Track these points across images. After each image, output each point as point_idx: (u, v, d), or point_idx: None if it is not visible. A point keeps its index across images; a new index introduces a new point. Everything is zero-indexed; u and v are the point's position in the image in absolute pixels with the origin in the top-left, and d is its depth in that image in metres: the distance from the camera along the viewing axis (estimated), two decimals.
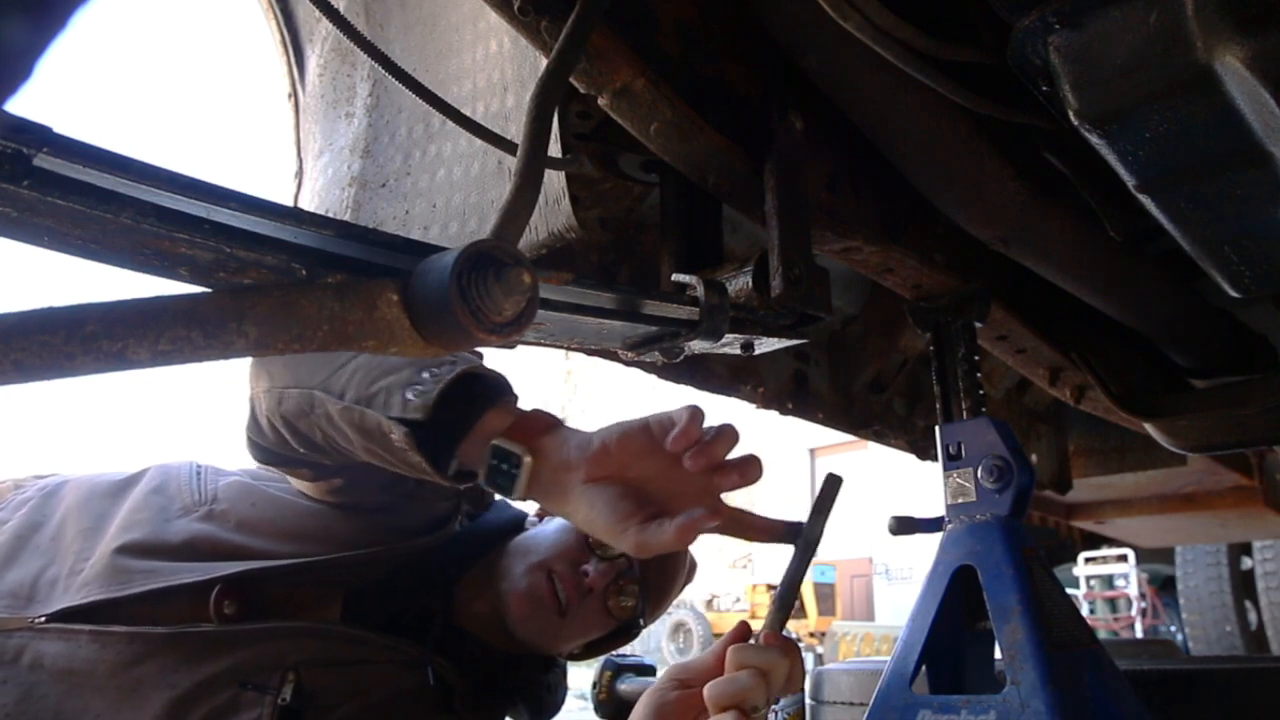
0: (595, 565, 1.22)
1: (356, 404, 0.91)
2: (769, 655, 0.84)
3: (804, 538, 0.89)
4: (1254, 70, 0.64)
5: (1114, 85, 0.71)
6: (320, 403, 0.95)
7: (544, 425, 0.89)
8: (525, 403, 0.94)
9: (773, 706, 1.55)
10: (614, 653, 1.41)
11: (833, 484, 0.90)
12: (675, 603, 1.45)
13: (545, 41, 0.76)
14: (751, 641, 0.87)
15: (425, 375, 0.89)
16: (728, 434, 0.84)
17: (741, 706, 0.81)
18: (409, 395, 0.87)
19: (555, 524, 1.30)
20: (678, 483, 0.85)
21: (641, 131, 0.87)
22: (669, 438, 0.83)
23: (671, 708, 0.88)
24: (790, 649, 0.86)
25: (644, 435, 0.85)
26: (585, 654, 1.35)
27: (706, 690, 0.83)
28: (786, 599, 0.89)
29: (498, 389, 0.92)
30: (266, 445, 1.08)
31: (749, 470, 0.85)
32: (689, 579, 1.40)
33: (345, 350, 0.55)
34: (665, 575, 1.31)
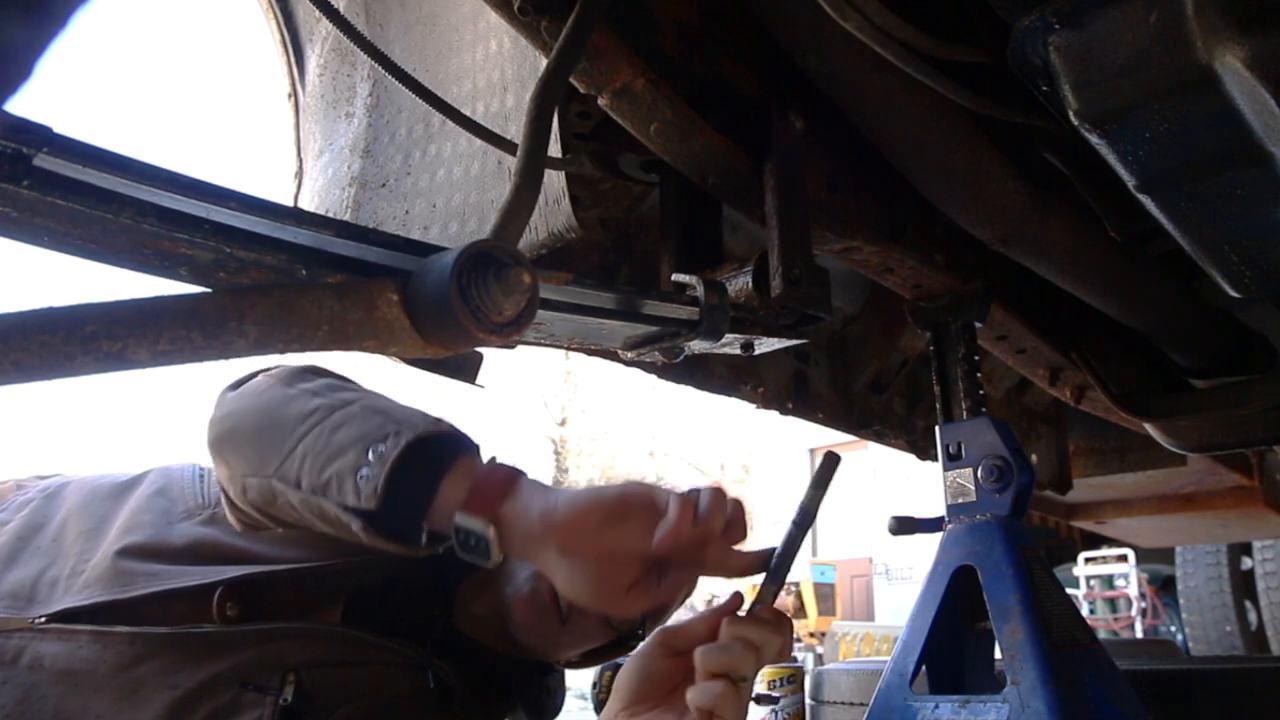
0: None
1: (313, 494, 0.89)
2: (762, 629, 0.84)
3: (801, 509, 0.89)
4: (1254, 70, 0.64)
5: (1114, 85, 0.71)
6: (280, 493, 0.93)
7: (502, 488, 0.86)
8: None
9: (773, 707, 1.55)
10: (614, 659, 1.41)
11: (831, 461, 0.90)
12: None
13: (545, 41, 0.76)
14: (743, 612, 0.88)
15: (371, 457, 0.86)
16: (717, 508, 0.82)
17: (730, 675, 0.81)
18: (359, 481, 0.85)
19: None
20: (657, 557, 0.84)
21: (641, 131, 0.87)
22: (655, 538, 0.81)
23: (661, 676, 0.88)
24: (782, 622, 0.86)
25: (616, 511, 0.82)
26: (583, 663, 1.35)
27: (697, 655, 0.83)
28: (780, 572, 0.89)
29: (451, 448, 0.89)
30: (249, 522, 1.07)
31: (735, 534, 0.84)
32: (689, 592, 1.40)
33: (345, 349, 0.55)
34: None
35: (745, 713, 0.82)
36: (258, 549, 1.16)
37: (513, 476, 0.87)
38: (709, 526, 0.82)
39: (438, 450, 0.88)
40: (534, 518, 0.83)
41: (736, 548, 0.86)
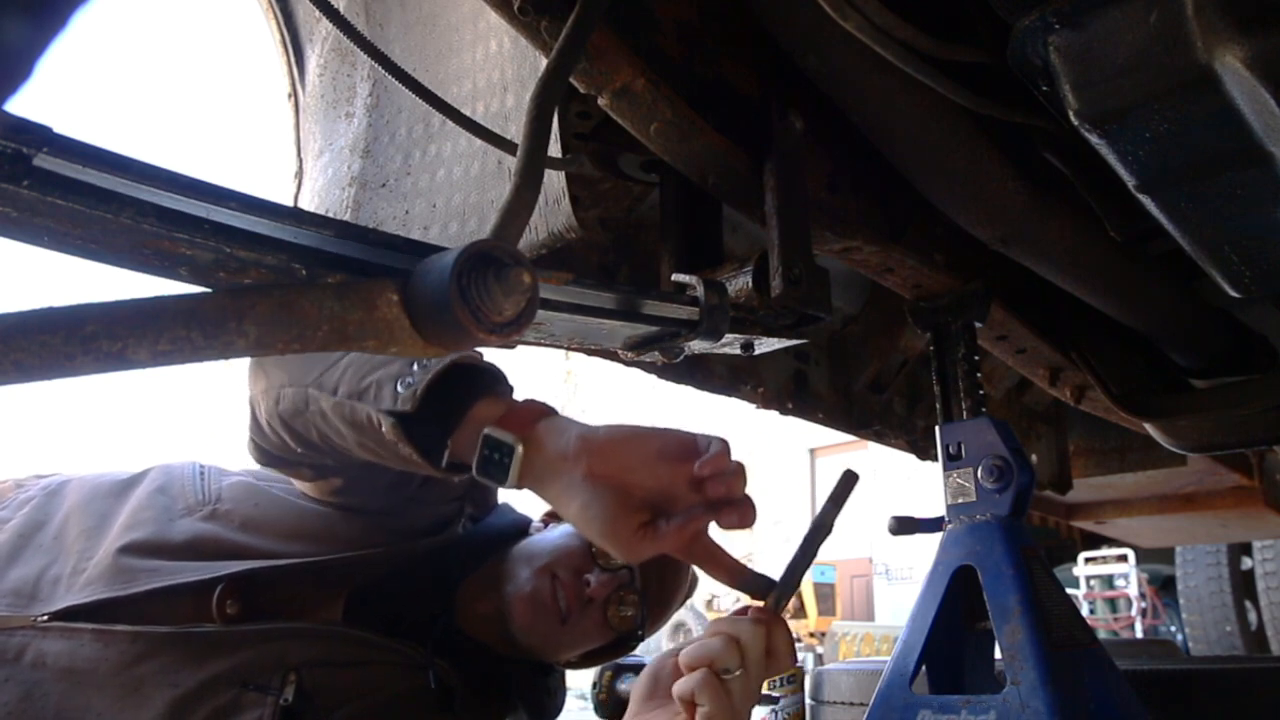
0: (597, 575, 1.22)
1: (348, 399, 0.91)
2: (740, 623, 0.86)
3: (815, 523, 0.90)
4: (1254, 70, 0.64)
5: (1114, 85, 0.71)
6: (314, 399, 0.95)
7: (537, 414, 0.88)
8: (521, 396, 0.93)
9: (773, 707, 1.55)
10: (613, 659, 1.41)
11: (849, 479, 0.92)
12: None
13: (545, 41, 0.76)
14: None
15: (415, 368, 0.88)
16: (743, 473, 0.85)
17: (712, 667, 0.83)
18: (399, 388, 0.87)
19: (559, 531, 1.30)
20: (674, 501, 0.85)
21: (641, 131, 0.87)
22: (699, 461, 0.83)
23: (667, 674, 0.92)
24: (769, 620, 0.87)
25: (656, 444, 0.84)
26: (582, 663, 1.35)
27: (681, 655, 0.86)
28: (789, 581, 0.90)
29: (490, 379, 0.92)
30: (268, 447, 1.08)
31: (748, 513, 0.85)
32: (689, 594, 1.40)
33: (345, 350, 0.55)
34: (666, 589, 1.31)
35: (738, 704, 0.83)
36: (258, 544, 1.16)
37: (549, 408, 0.90)
38: (737, 481, 0.85)
39: (479, 376, 0.91)
40: (570, 437, 0.84)
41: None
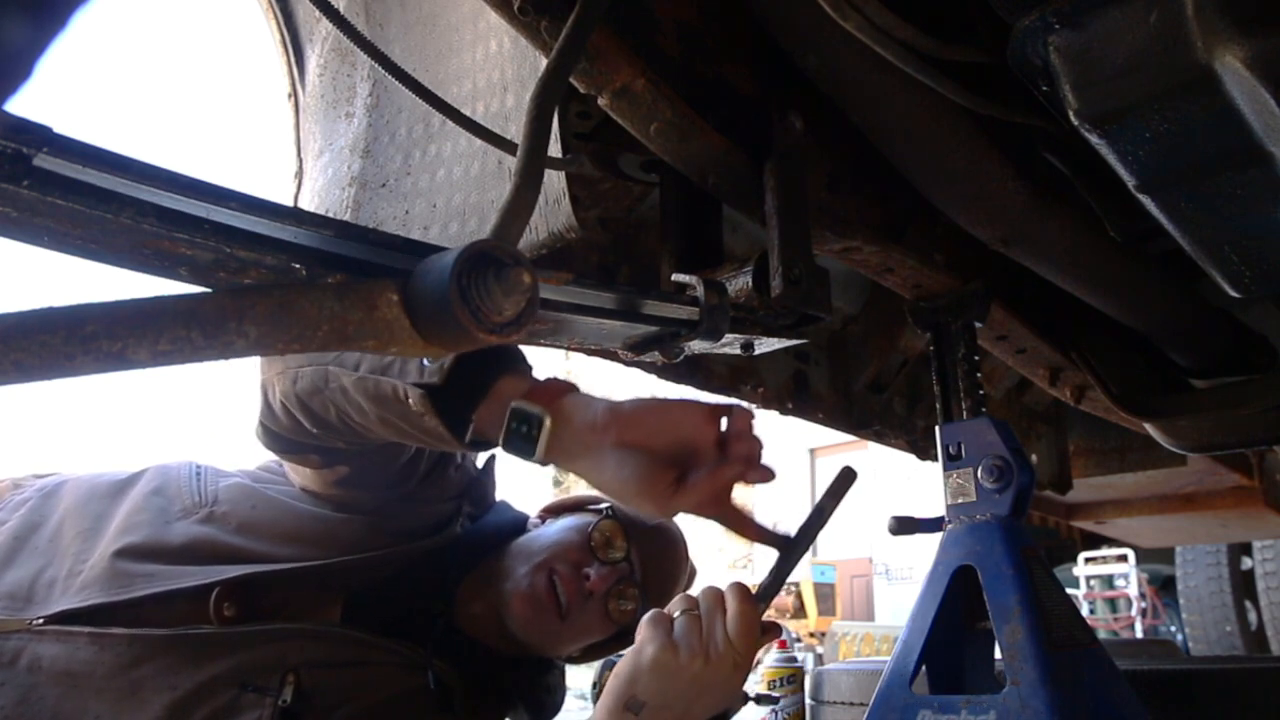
0: (596, 569, 1.22)
1: (372, 373, 0.91)
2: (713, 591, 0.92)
3: (811, 515, 0.91)
4: (1254, 70, 0.64)
5: (1114, 85, 0.71)
6: (334, 377, 0.95)
7: (562, 389, 0.90)
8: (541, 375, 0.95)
9: (773, 707, 1.55)
10: (616, 652, 1.41)
11: (847, 476, 0.93)
12: None
13: (545, 41, 0.76)
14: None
15: None
16: (761, 440, 0.89)
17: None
18: (425, 361, 0.88)
19: (557, 526, 1.30)
20: (700, 460, 0.87)
21: (641, 131, 0.86)
22: (726, 419, 0.87)
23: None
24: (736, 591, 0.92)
25: (682, 410, 0.87)
26: (584, 657, 1.35)
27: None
28: (781, 571, 0.91)
29: (512, 356, 0.93)
30: (279, 430, 1.07)
31: (769, 471, 0.88)
32: (689, 584, 1.41)
33: (345, 349, 0.55)
34: (665, 580, 1.32)
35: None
36: (255, 547, 1.16)
37: (572, 384, 0.92)
38: (760, 442, 0.89)
39: (501, 353, 0.92)
40: (598, 409, 0.87)
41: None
